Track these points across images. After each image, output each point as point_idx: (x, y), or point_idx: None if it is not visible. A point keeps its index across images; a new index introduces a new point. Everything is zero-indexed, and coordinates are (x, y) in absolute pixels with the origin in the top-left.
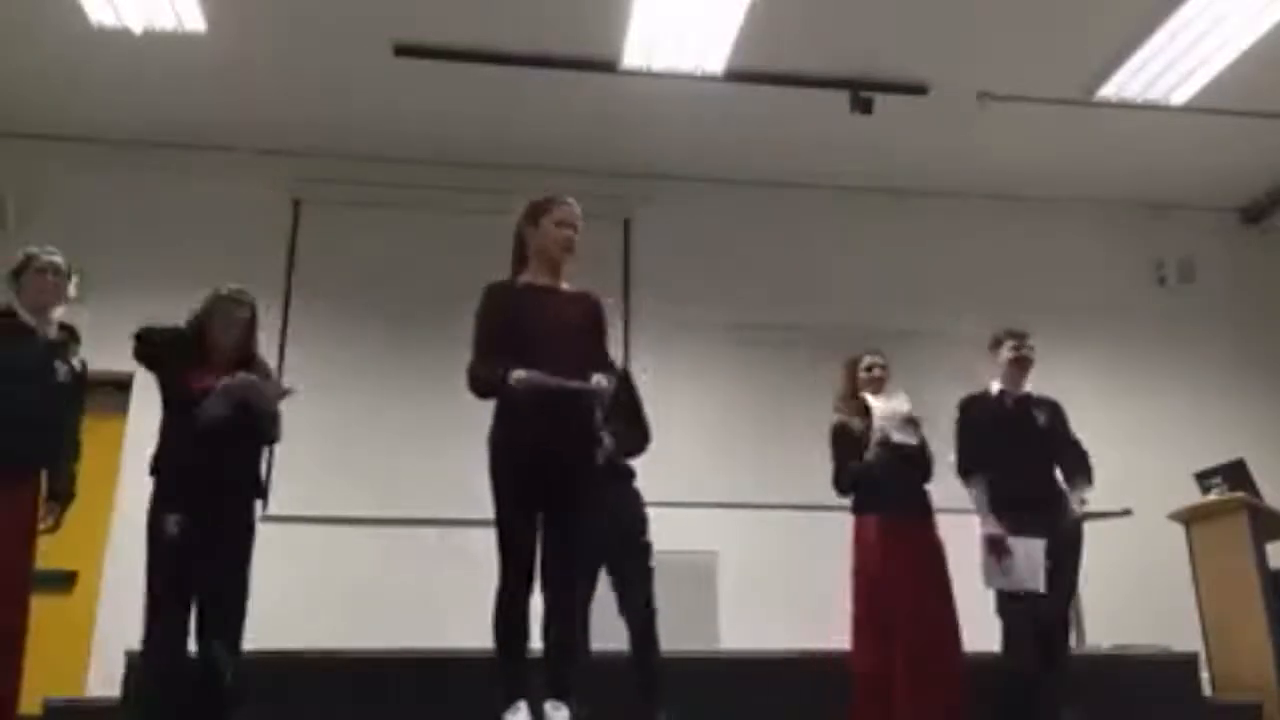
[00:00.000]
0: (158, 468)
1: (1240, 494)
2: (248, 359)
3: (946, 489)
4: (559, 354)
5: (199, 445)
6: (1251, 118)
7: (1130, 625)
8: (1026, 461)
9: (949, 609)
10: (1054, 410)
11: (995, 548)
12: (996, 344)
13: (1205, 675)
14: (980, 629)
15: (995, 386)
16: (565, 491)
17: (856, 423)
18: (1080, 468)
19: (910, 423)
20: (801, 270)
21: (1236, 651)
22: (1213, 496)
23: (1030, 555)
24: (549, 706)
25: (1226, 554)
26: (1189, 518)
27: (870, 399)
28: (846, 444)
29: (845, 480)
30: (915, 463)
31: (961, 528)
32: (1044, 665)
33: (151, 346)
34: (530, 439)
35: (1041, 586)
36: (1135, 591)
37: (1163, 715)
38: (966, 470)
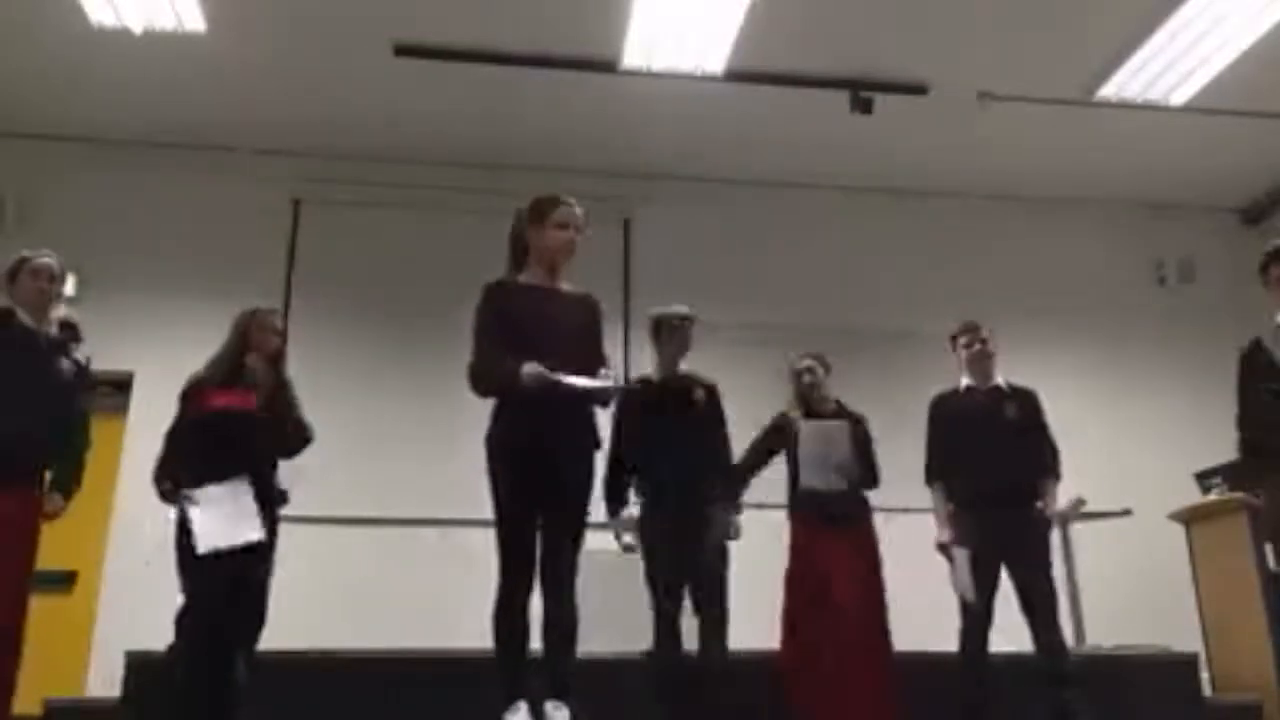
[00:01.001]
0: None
1: (1240, 494)
2: (279, 371)
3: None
4: (559, 354)
5: (226, 464)
6: (1251, 118)
7: (1130, 625)
8: (994, 455)
9: (876, 608)
10: (1026, 401)
11: (944, 554)
12: (953, 341)
13: (1205, 675)
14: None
15: (964, 381)
16: (564, 491)
17: (789, 424)
18: (1045, 465)
19: (840, 467)
20: (801, 270)
21: (1236, 651)
22: (1213, 496)
23: (959, 565)
24: (549, 706)
25: (1226, 554)
26: (1189, 518)
27: (801, 426)
28: (761, 440)
29: (736, 475)
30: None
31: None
32: (1045, 666)
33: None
34: (528, 438)
35: (969, 595)
36: (1135, 591)
37: (1163, 715)
38: (930, 477)
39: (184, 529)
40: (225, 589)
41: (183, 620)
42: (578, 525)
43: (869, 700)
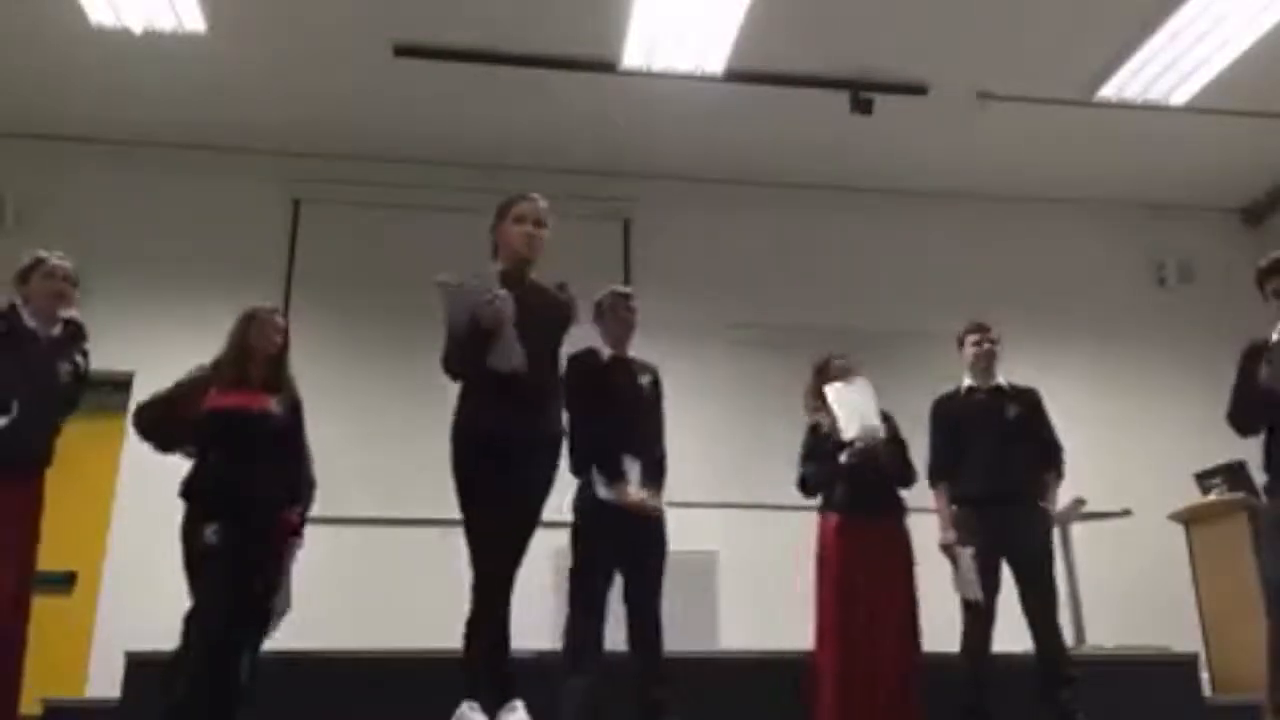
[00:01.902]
0: (190, 490)
1: (1240, 494)
2: (281, 371)
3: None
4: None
5: (230, 465)
6: (1251, 118)
7: (1130, 625)
8: (996, 456)
9: (907, 606)
10: (1028, 401)
11: (947, 554)
12: (961, 340)
13: (1205, 675)
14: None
15: (966, 381)
16: (511, 485)
17: (827, 420)
18: (1047, 463)
19: (872, 421)
20: (801, 270)
21: (1236, 651)
22: (1213, 497)
23: (962, 565)
24: (503, 712)
25: (1226, 554)
26: (1189, 518)
27: (827, 389)
28: (814, 444)
29: (807, 486)
30: (880, 463)
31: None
32: (1045, 666)
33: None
34: (487, 428)
35: (972, 595)
36: (1135, 591)
37: (1163, 715)
38: (933, 477)
39: (190, 530)
40: (233, 592)
41: (190, 623)
42: (521, 521)
43: (894, 708)
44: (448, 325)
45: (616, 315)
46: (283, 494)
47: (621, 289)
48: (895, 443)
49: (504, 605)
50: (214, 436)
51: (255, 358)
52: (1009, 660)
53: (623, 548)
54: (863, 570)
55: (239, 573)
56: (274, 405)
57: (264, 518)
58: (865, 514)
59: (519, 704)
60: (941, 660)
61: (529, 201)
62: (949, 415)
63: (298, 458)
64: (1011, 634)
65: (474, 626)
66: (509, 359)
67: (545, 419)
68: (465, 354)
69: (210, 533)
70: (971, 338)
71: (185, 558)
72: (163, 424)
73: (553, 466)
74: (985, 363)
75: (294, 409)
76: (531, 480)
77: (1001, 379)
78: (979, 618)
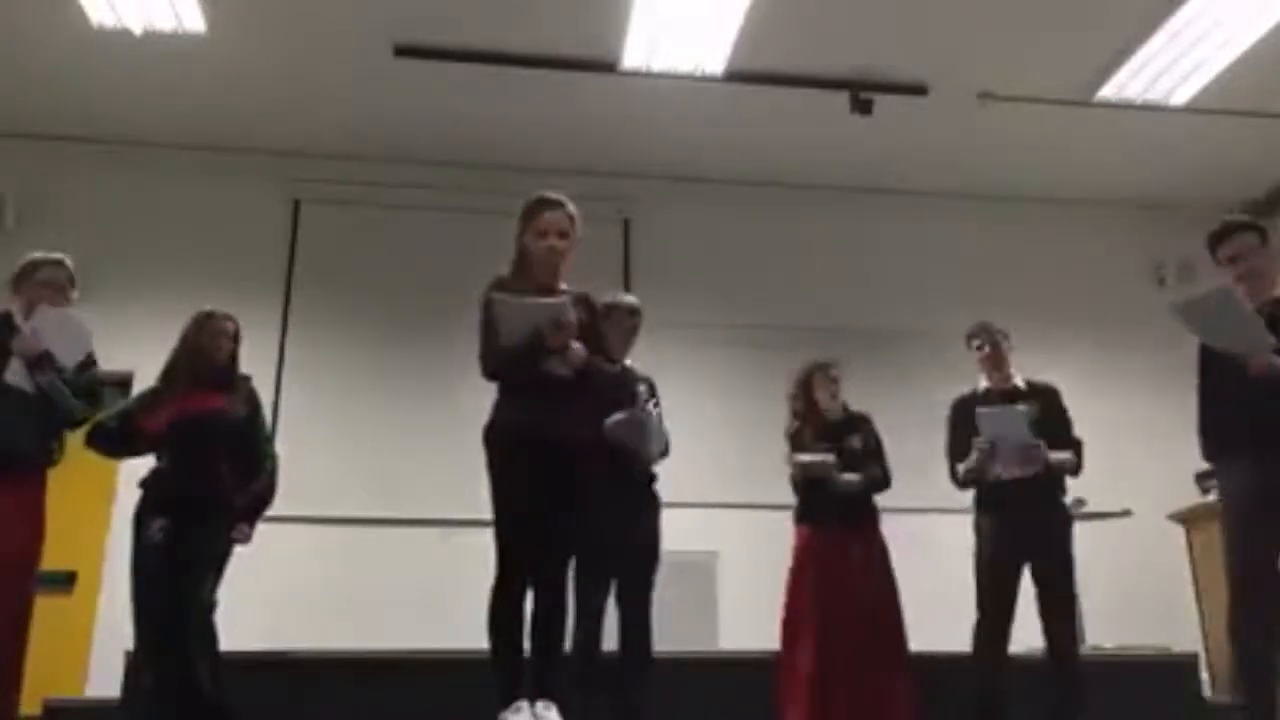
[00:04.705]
0: (145, 483)
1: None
2: (233, 372)
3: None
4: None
5: (186, 465)
6: (1252, 118)
7: (1130, 625)
8: None
9: (889, 612)
10: (1045, 399)
11: (982, 472)
12: (969, 342)
13: (1205, 675)
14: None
15: (982, 383)
16: (564, 482)
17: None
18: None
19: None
20: (801, 270)
21: None
22: (1213, 497)
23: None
24: (539, 706)
25: None
26: (1189, 518)
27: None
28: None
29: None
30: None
31: (951, 526)
32: (1053, 666)
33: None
34: (528, 424)
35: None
36: (1135, 591)
37: (1163, 715)
38: (956, 479)
39: (139, 523)
40: (170, 589)
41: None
42: (576, 519)
43: (888, 711)
44: (502, 334)
45: (619, 325)
46: (235, 493)
47: (627, 300)
48: (868, 455)
49: (524, 602)
50: (174, 442)
51: (206, 360)
52: (1010, 661)
53: (618, 555)
54: (837, 579)
55: (177, 571)
56: (229, 404)
57: (214, 517)
58: (831, 526)
59: (554, 705)
60: (937, 659)
61: (552, 211)
62: (965, 417)
63: (253, 455)
64: (1013, 634)
65: (493, 617)
66: (571, 362)
67: (588, 418)
68: (521, 364)
69: (155, 529)
70: (974, 341)
71: (132, 550)
72: (121, 441)
73: (597, 480)
74: (994, 363)
75: (251, 407)
76: (577, 484)
77: (1019, 379)
78: (993, 617)
